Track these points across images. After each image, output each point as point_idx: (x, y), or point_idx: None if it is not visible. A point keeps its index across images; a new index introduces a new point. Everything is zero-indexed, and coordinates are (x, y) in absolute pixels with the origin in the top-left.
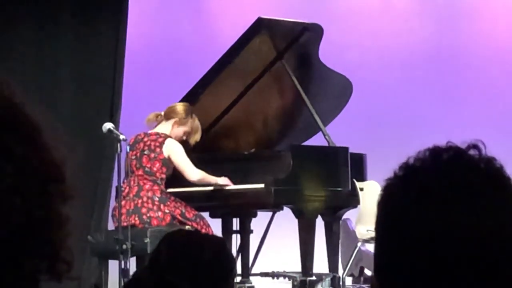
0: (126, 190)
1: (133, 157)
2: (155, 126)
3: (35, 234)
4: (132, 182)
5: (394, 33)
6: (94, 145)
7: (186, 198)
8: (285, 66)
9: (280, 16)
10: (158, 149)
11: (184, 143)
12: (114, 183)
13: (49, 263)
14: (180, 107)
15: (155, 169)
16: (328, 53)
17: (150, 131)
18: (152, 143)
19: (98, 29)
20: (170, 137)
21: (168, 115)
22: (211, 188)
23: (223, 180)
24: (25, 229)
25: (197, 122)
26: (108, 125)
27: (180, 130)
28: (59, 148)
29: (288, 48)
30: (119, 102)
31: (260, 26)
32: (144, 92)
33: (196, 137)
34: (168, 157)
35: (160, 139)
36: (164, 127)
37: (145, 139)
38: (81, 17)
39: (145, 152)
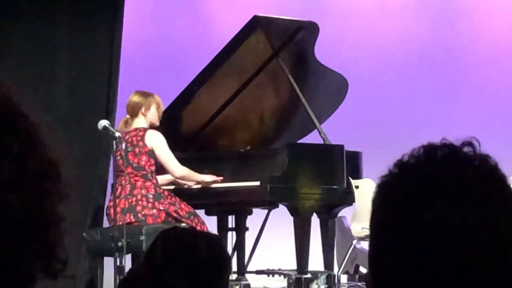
0: (119, 190)
1: (119, 157)
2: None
3: (31, 232)
4: (123, 181)
5: (390, 31)
6: (90, 142)
7: (181, 195)
8: (281, 64)
9: (276, 14)
10: (141, 143)
11: (170, 139)
12: (110, 180)
13: (45, 262)
14: (136, 97)
15: (143, 163)
16: (324, 51)
17: (129, 129)
18: (134, 139)
19: (94, 26)
20: (150, 128)
21: (134, 112)
22: (206, 185)
23: (210, 177)
24: (21, 226)
25: (156, 95)
26: (103, 122)
27: (153, 113)
28: (56, 147)
29: (284, 46)
30: (115, 99)
31: (256, 24)
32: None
33: (163, 107)
34: (152, 148)
35: (141, 133)
36: (139, 122)
37: (126, 137)
38: (77, 14)
39: (129, 149)
